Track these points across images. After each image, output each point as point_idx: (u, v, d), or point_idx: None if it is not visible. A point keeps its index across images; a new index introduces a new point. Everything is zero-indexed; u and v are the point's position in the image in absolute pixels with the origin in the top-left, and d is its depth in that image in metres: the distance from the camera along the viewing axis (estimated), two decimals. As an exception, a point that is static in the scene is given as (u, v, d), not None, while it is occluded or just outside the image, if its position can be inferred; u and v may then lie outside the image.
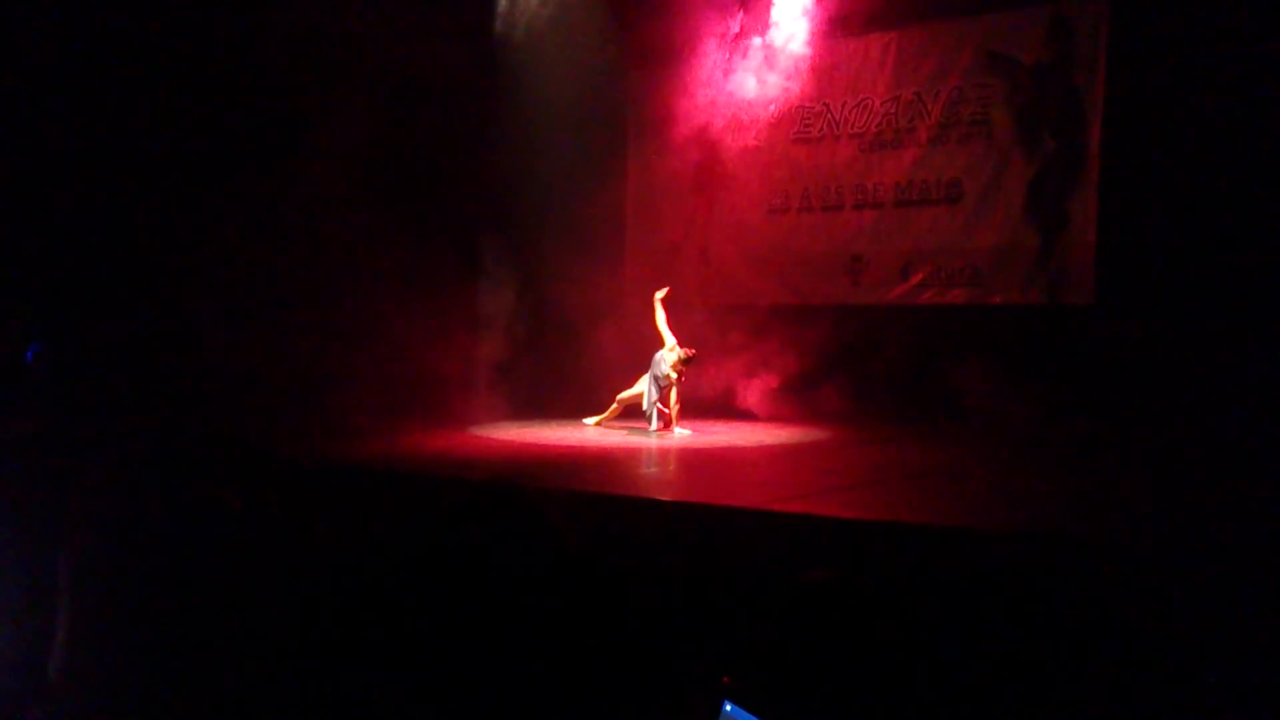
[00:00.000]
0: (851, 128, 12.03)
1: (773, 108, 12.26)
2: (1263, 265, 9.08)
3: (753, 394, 11.63)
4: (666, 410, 9.90)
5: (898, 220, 11.74)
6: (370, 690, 1.60)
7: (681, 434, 9.78)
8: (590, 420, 10.26)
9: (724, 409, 11.43)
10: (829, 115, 12.17)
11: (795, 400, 11.36)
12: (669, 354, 9.80)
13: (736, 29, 12.30)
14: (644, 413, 9.92)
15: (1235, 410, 8.78)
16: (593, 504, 6.10)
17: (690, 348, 9.88)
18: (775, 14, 11.94)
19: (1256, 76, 9.02)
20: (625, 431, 9.92)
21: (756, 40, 12.12)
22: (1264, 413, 8.60)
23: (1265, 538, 5.12)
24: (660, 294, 10.04)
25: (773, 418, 11.02)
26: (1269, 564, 4.43)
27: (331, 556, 1.74)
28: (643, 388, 9.91)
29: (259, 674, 1.54)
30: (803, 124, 12.34)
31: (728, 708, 1.79)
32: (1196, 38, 9.26)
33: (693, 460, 8.66)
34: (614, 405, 10.15)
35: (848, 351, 11.38)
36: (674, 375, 9.79)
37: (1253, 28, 9.08)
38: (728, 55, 12.44)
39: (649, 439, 9.61)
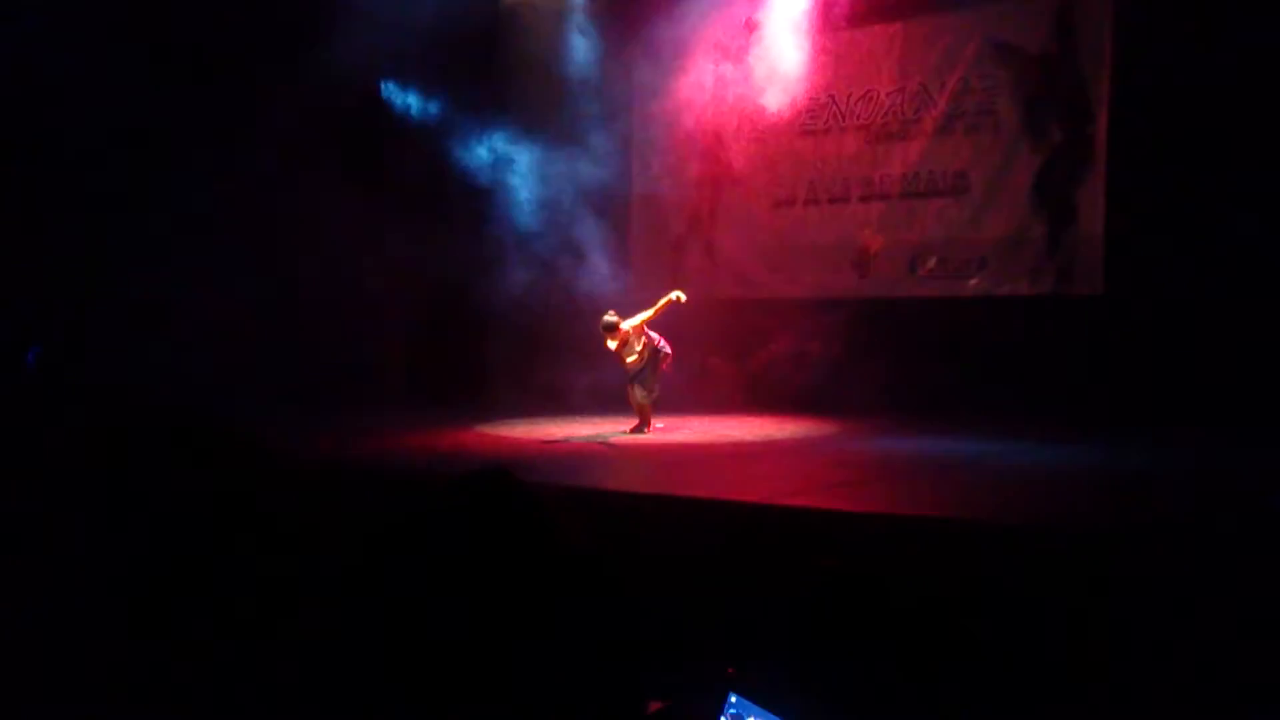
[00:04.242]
0: (857, 119, 11.97)
1: (778, 100, 12.21)
2: (1272, 253, 9.02)
3: (758, 388, 11.58)
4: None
5: (904, 212, 11.68)
6: (357, 691, 1.56)
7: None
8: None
9: (731, 403, 11.39)
10: (835, 107, 12.11)
11: (802, 394, 11.30)
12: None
13: (741, 21, 12.25)
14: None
15: (1244, 396, 8.73)
16: (596, 499, 6.08)
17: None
18: (780, 5, 11.88)
19: (1262, 63, 8.95)
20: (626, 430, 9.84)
21: (761, 32, 12.07)
22: (1272, 398, 8.55)
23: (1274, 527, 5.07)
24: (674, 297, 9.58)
25: (779, 412, 10.95)
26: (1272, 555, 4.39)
27: (316, 550, 1.70)
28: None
29: (223, 672, 1.50)
30: (808, 116, 12.28)
31: (733, 699, 1.75)
32: (1202, 26, 9.20)
33: (699, 455, 8.62)
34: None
35: (855, 344, 11.31)
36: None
37: (1258, 15, 9.01)
38: (732, 47, 12.40)
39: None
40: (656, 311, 9.52)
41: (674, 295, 9.54)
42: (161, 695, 1.45)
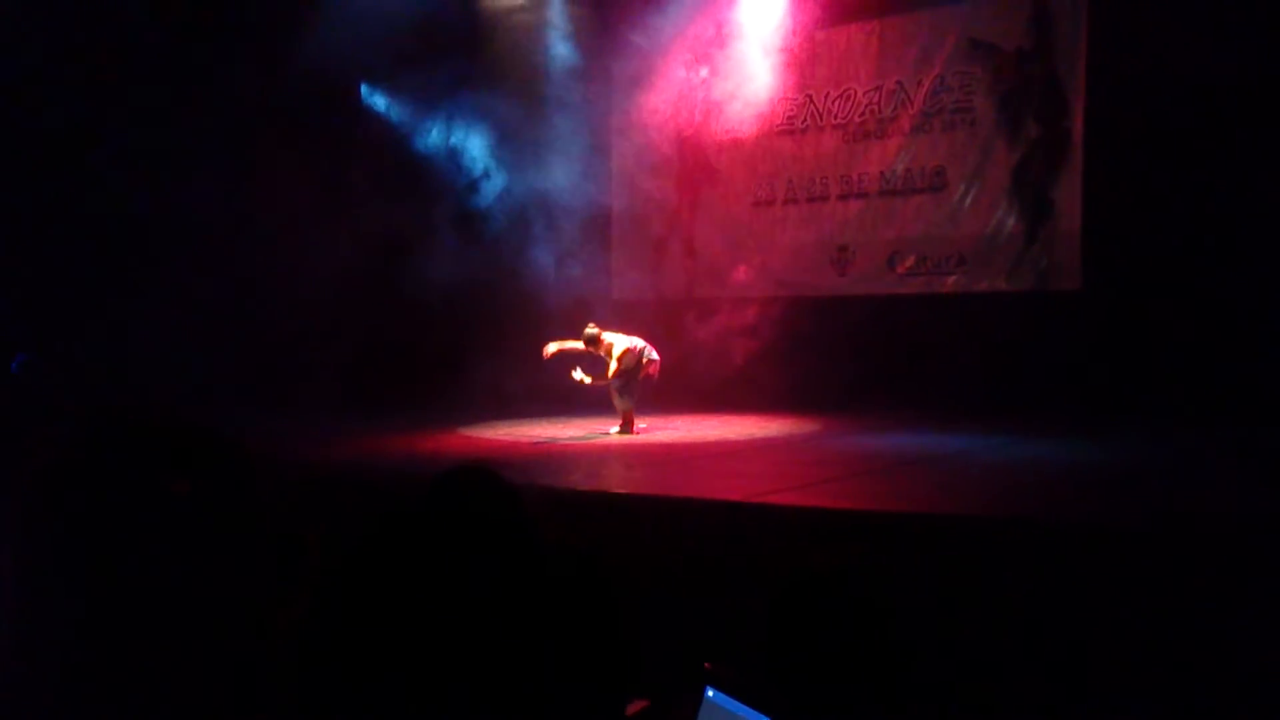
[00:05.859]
0: (835, 118, 12.01)
1: (756, 100, 12.22)
2: (1249, 247, 9.08)
3: (738, 387, 11.58)
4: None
5: (883, 210, 11.72)
6: (340, 691, 1.56)
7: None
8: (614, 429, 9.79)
9: (712, 402, 11.39)
10: (812, 106, 12.14)
11: (781, 391, 11.31)
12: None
13: (717, 22, 12.27)
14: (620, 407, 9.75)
15: (1222, 392, 8.79)
16: (580, 499, 6.08)
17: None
18: (756, 5, 11.91)
19: (1237, 59, 9.00)
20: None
21: (738, 32, 12.09)
22: (1253, 393, 8.61)
23: (1262, 522, 5.11)
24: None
25: (761, 410, 10.96)
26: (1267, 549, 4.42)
27: (293, 550, 1.70)
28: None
29: (208, 674, 1.50)
30: (786, 115, 12.31)
31: (710, 694, 1.76)
32: (1176, 22, 9.24)
33: (682, 454, 8.62)
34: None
35: (833, 342, 11.34)
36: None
37: (1232, 11, 9.07)
38: (709, 48, 12.42)
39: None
40: (628, 361, 9.55)
41: (651, 358, 9.62)
42: (145, 701, 1.45)
